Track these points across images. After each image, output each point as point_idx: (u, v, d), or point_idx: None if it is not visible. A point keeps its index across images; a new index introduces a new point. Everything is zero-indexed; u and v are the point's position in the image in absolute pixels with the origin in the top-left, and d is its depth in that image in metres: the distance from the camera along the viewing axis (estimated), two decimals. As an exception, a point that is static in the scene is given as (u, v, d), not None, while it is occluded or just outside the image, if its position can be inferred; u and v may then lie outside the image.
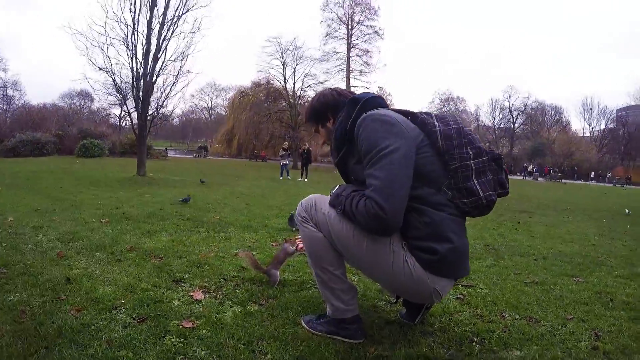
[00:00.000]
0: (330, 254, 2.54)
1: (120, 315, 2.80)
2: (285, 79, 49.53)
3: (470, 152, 2.34)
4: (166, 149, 51.30)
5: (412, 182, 2.25)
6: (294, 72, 49.15)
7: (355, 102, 2.52)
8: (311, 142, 33.44)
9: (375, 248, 2.37)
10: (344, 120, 2.52)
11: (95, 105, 66.05)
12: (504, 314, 3.14)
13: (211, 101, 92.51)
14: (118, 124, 61.85)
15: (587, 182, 54.33)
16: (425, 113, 2.52)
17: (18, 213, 6.81)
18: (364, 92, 2.63)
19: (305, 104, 48.93)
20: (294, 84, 49.13)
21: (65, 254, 4.17)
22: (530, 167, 57.33)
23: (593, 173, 60.64)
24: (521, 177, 52.97)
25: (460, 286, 3.75)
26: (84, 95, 70.27)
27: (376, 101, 2.53)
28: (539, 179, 51.62)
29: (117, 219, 6.69)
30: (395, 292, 2.71)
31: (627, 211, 13.93)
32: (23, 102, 60.07)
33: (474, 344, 2.63)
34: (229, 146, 58.00)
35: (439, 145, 2.34)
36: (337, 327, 2.64)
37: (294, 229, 6.03)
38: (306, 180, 22.85)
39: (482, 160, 2.35)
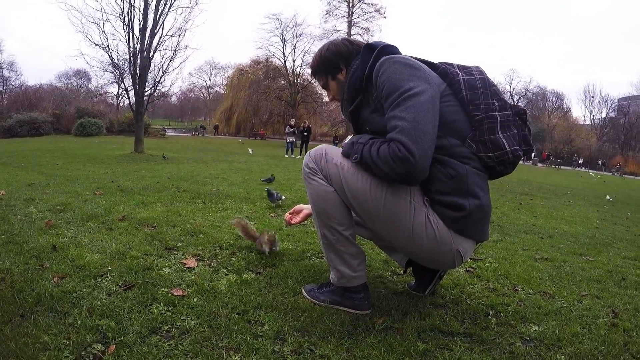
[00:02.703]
0: (340, 211, 2.29)
1: (106, 283, 2.63)
2: (284, 56, 49.42)
3: (496, 104, 2.15)
4: (164, 128, 50.97)
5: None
6: (294, 49, 49.03)
7: (371, 48, 2.27)
8: (311, 120, 33.25)
9: (395, 203, 2.12)
10: (360, 67, 2.28)
11: (93, 84, 65.47)
12: (517, 288, 2.97)
13: (210, 79, 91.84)
14: (115, 102, 61.38)
15: (585, 169, 54.26)
16: (446, 63, 2.29)
17: (11, 187, 6.65)
18: (378, 41, 2.37)
19: (305, 82, 48.81)
20: (294, 61, 49.05)
21: (55, 224, 4.00)
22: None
23: (581, 159, 60.65)
24: (520, 162, 52.61)
25: (468, 259, 3.55)
26: (81, 74, 69.96)
27: (393, 49, 2.27)
28: (538, 164, 51.43)
29: (111, 191, 6.52)
30: (412, 255, 2.39)
31: (608, 197, 13.93)
32: (20, 82, 59.80)
33: (489, 317, 2.45)
34: (228, 124, 57.90)
35: (462, 95, 2.15)
36: (342, 296, 2.44)
37: (274, 205, 5.78)
38: (307, 157, 22.74)
39: (507, 114, 2.16)
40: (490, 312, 2.51)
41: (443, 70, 2.24)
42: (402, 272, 3.08)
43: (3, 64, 56.82)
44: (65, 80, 71.26)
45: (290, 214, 2.97)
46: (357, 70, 2.31)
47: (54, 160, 13.40)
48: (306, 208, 2.87)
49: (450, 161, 2.11)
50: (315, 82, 49.88)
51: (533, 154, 51.39)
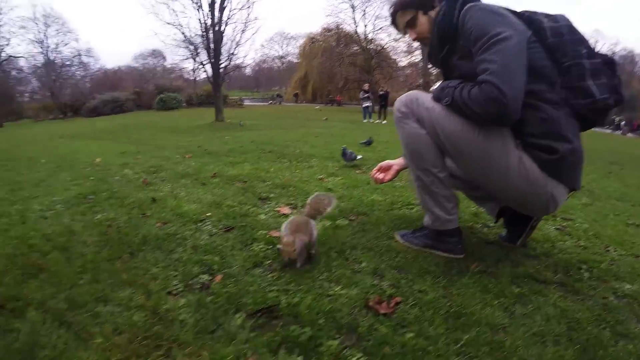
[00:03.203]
0: (433, 153, 2.29)
1: (206, 227, 2.78)
2: (355, 22, 48.59)
3: (584, 51, 2.09)
4: (241, 98, 52.02)
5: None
6: (364, 15, 48.09)
7: None
8: (387, 85, 32.79)
9: (487, 143, 2.11)
10: (448, 12, 2.24)
11: (168, 62, 67.64)
12: (609, 249, 2.84)
13: (282, 49, 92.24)
14: (192, 77, 63.23)
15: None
16: (530, 11, 2.25)
17: (104, 156, 7.06)
18: None
19: (378, 47, 47.98)
20: (365, 27, 48.10)
21: (150, 182, 4.25)
22: (617, 120, 53.01)
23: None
24: (609, 131, 48.98)
25: (558, 218, 3.48)
26: (156, 54, 72.30)
27: None
28: (628, 134, 47.54)
29: (199, 154, 6.81)
30: (505, 198, 2.38)
31: None
32: (99, 66, 62.80)
33: (581, 271, 2.37)
34: (304, 92, 58.31)
35: (548, 42, 2.11)
36: (435, 240, 2.46)
37: (348, 164, 5.70)
38: (384, 122, 22.51)
39: (595, 62, 2.09)
40: (583, 267, 2.43)
41: (528, 18, 2.19)
42: (493, 223, 3.04)
43: (81, 51, 59.68)
44: (142, 60, 74.10)
45: (377, 171, 2.88)
46: (444, 14, 2.26)
47: (140, 132, 14.10)
48: (395, 164, 2.80)
49: (542, 106, 2.08)
50: (389, 47, 49.08)
51: (623, 122, 48.16)
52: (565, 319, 1.81)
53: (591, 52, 2.11)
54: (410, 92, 2.40)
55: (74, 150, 9.02)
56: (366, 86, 25.92)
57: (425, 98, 2.30)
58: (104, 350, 1.49)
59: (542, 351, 1.59)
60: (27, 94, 56.28)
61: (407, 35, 2.56)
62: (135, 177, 4.56)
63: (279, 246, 2.03)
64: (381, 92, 24.87)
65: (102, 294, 1.88)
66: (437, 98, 2.23)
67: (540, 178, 2.11)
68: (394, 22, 2.57)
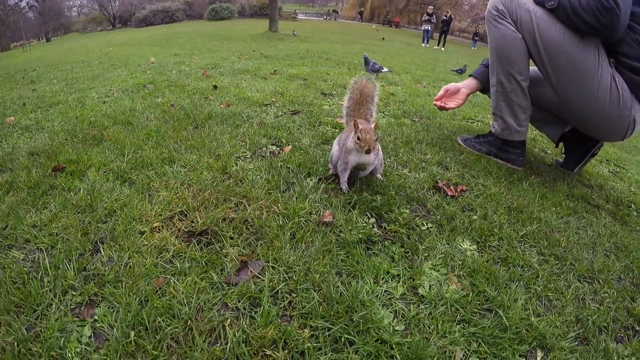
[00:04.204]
0: (523, 60, 2.23)
1: (272, 110, 2.81)
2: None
3: None
4: (295, 11, 51.26)
5: None
6: None
7: None
8: (450, 10, 31.45)
9: (585, 56, 2.06)
10: None
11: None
12: None
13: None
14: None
15: None
16: None
17: (158, 57, 7.12)
18: None
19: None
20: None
21: (210, 75, 4.26)
22: None
23: None
24: None
25: (612, 164, 3.41)
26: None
27: None
28: None
29: (255, 57, 6.78)
30: (585, 119, 2.31)
31: None
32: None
33: (631, 209, 2.33)
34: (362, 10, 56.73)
35: None
36: (499, 148, 2.45)
37: (372, 74, 5.04)
38: (443, 49, 21.75)
39: None
40: (632, 206, 2.39)
41: None
42: (549, 150, 3.01)
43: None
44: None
45: (444, 95, 2.64)
46: None
47: (192, 39, 14.12)
48: (463, 86, 2.61)
49: (637, 28, 2.01)
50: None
51: None
52: (614, 239, 1.84)
53: None
54: None
55: (126, 54, 9.15)
56: (430, 9, 24.91)
57: None
58: (168, 202, 1.55)
59: (594, 258, 1.64)
60: (75, 9, 56.98)
61: None
62: (193, 72, 4.59)
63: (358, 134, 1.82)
64: (445, 17, 23.95)
65: (168, 156, 1.94)
66: (540, 1, 2.14)
67: (629, 100, 2.09)
68: None
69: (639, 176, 3.32)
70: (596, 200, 2.25)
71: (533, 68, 2.34)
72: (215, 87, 3.42)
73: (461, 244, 1.52)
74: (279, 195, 1.62)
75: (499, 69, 2.29)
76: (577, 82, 2.11)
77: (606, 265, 1.60)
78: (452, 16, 25.16)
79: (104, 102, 3.11)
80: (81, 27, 43.22)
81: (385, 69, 5.11)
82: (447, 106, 2.52)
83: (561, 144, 2.72)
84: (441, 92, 2.55)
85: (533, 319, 1.21)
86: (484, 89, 2.51)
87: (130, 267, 1.25)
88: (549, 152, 3.05)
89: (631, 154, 4.50)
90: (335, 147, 1.81)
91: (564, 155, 2.71)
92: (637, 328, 1.31)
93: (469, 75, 2.58)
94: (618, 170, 3.28)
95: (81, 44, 18.74)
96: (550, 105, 2.49)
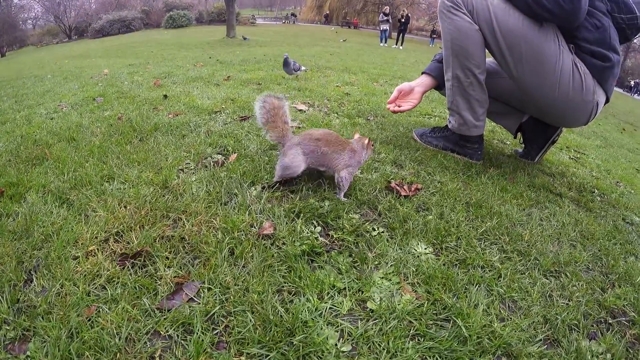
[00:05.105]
0: (480, 52, 2.17)
1: (221, 117, 2.72)
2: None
3: None
4: (253, 16, 51.07)
5: None
6: None
7: None
8: (408, 10, 31.66)
9: (545, 43, 2.03)
10: None
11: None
12: (619, 184, 2.81)
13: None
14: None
15: None
16: None
17: (112, 69, 6.94)
18: None
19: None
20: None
21: (162, 84, 4.15)
22: (633, 82, 51.02)
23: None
24: (629, 94, 46.95)
25: (572, 150, 3.46)
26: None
27: None
28: None
29: (211, 63, 6.68)
30: (547, 107, 2.27)
31: None
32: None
33: (594, 195, 2.35)
34: (319, 13, 56.79)
35: None
36: (456, 143, 2.41)
37: (290, 76, 4.82)
38: (401, 47, 21.90)
39: None
40: (595, 191, 2.42)
41: None
42: (508, 141, 3.03)
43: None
44: (151, -24, 72.57)
45: (397, 97, 2.46)
46: None
47: (148, 49, 13.88)
48: (417, 85, 2.48)
49: (595, 12, 2.03)
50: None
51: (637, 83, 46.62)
52: (579, 228, 1.84)
53: None
54: None
55: (80, 66, 8.92)
56: (386, 9, 25.03)
57: None
58: (105, 222, 1.45)
59: (559, 250, 1.62)
60: (30, 21, 55.49)
61: None
62: (145, 82, 4.47)
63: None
64: (402, 17, 24.10)
65: (109, 172, 1.84)
66: None
67: (591, 84, 2.09)
68: None
69: (600, 161, 3.37)
70: (558, 189, 2.25)
71: (488, 60, 2.30)
72: (165, 96, 3.31)
73: (415, 248, 1.45)
74: (219, 208, 1.54)
75: (454, 63, 2.23)
76: (539, 70, 2.09)
77: (573, 257, 1.57)
78: (409, 15, 25.30)
79: (52, 119, 2.98)
80: (36, 40, 42.20)
81: (303, 68, 4.88)
82: (401, 108, 2.41)
83: (520, 135, 2.69)
84: (394, 93, 2.43)
85: (496, 325, 1.15)
86: (439, 85, 2.44)
87: (62, 296, 1.14)
88: (507, 142, 3.05)
89: (590, 139, 4.59)
90: (298, 158, 1.65)
91: (523, 146, 2.68)
92: (610, 321, 1.27)
93: (422, 73, 2.48)
94: (579, 156, 3.32)
95: (36, 57, 18.30)
96: (507, 96, 2.47)
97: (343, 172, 1.67)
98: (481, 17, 2.09)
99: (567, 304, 1.30)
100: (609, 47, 2.05)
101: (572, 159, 3.15)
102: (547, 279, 1.42)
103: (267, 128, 1.75)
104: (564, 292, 1.35)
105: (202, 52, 10.91)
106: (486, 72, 2.26)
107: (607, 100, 2.22)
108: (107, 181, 1.77)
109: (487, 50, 2.19)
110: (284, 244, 1.36)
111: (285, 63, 4.59)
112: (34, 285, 1.20)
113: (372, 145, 1.83)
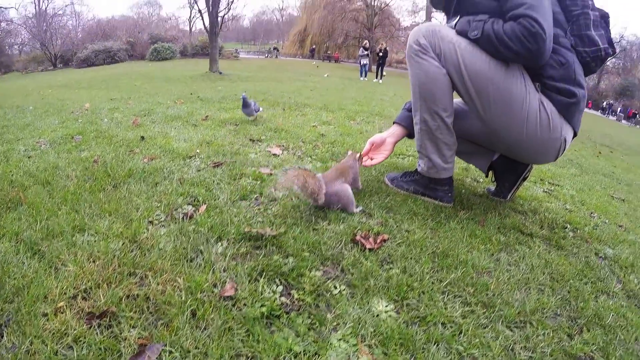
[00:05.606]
0: (447, 96, 2.19)
1: (195, 163, 2.73)
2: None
3: (590, 2, 2.16)
4: (237, 50, 51.39)
5: None
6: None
7: None
8: (387, 44, 32.18)
9: (512, 84, 2.06)
10: None
11: (164, 11, 66.84)
12: (593, 215, 2.85)
13: (282, 1, 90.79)
14: (188, 26, 62.36)
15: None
16: None
17: (94, 102, 6.92)
18: None
19: (382, 5, 47.28)
20: (372, -20, 47.27)
21: (141, 123, 4.14)
22: (604, 104, 52.56)
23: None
24: (603, 115, 48.34)
25: (546, 182, 3.50)
26: (152, 3, 71.50)
27: None
28: (623, 121, 46.94)
29: (191, 100, 6.68)
30: (516, 147, 2.28)
31: None
32: (92, 15, 61.64)
33: (566, 230, 2.38)
34: (302, 47, 57.54)
35: None
36: (426, 187, 2.43)
37: (249, 118, 4.49)
38: (380, 81, 22.21)
39: (596, 14, 2.16)
40: (568, 227, 2.44)
41: None
42: (481, 179, 3.05)
43: (73, 0, 58.29)
44: (137, 9, 73.05)
45: (370, 149, 2.50)
46: None
47: (132, 81, 13.87)
48: (389, 135, 2.52)
49: (559, 49, 2.07)
50: (393, 5, 48.03)
51: (619, 108, 47.91)
52: (549, 270, 1.83)
53: (593, 5, 2.16)
54: (428, 22, 2.25)
55: (63, 98, 8.86)
56: (366, 43, 25.42)
57: (447, 30, 2.17)
58: (75, 277, 1.44)
59: (526, 297, 1.60)
60: (16, 47, 55.15)
61: None
62: (125, 120, 4.45)
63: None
64: (380, 51, 24.46)
65: (80, 223, 1.82)
66: (463, 31, 2.13)
67: (558, 122, 2.12)
68: None
69: (575, 191, 3.40)
70: (530, 228, 2.25)
71: (457, 100, 2.32)
72: (142, 138, 3.31)
73: (376, 306, 1.43)
74: (185, 265, 1.53)
75: (422, 107, 2.24)
76: (507, 111, 2.11)
77: (540, 303, 1.56)
78: (387, 49, 25.67)
79: (29, 157, 2.95)
80: (22, 67, 41.84)
81: (261, 109, 4.63)
82: (374, 162, 2.45)
83: (491, 173, 2.71)
84: (367, 146, 2.46)
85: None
86: (410, 134, 2.46)
87: (31, 354, 1.13)
88: (480, 180, 3.07)
89: (565, 168, 4.65)
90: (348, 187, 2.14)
91: (495, 184, 2.71)
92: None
93: (393, 123, 2.51)
94: (553, 188, 3.34)
95: (20, 85, 18.09)
96: (476, 136, 2.49)
97: (358, 183, 2.34)
98: (449, 61, 2.12)
99: (530, 356, 1.29)
100: (574, 82, 2.08)
101: (546, 192, 3.18)
102: (511, 330, 1.41)
103: (305, 194, 2.03)
104: (528, 344, 1.34)
105: (185, 86, 10.94)
106: (455, 113, 2.29)
107: (575, 135, 2.26)
108: (78, 232, 1.75)
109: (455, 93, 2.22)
110: (245, 304, 1.35)
111: (245, 104, 4.31)
112: (5, 341, 1.18)
113: (361, 158, 2.34)
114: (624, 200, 3.76)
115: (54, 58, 43.22)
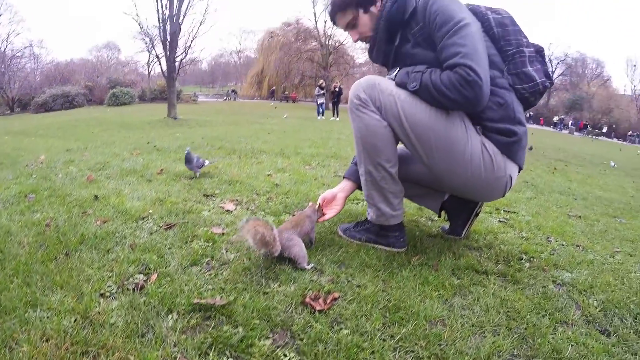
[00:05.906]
0: (390, 147, 2.25)
1: (147, 225, 2.73)
2: (315, 17, 48.79)
3: (524, 40, 2.26)
4: (195, 94, 51.47)
5: None
6: (326, 9, 48.29)
7: None
8: (343, 82, 32.81)
9: (453, 131, 2.13)
10: (400, 1, 2.23)
11: (123, 55, 66.58)
12: (550, 239, 2.97)
13: (240, 44, 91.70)
14: (147, 71, 62.09)
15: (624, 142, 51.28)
16: (473, 4, 2.35)
17: (50, 153, 6.83)
18: None
19: (337, 44, 48.26)
20: (325, 22, 48.20)
21: (95, 179, 4.11)
22: (555, 119, 55.21)
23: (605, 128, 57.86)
24: (556, 130, 50.72)
25: (501, 211, 3.61)
26: (111, 46, 71.16)
27: None
28: (575, 133, 49.50)
29: (148, 150, 6.65)
30: (464, 188, 2.34)
31: (612, 164, 13.96)
32: (51, 58, 60.84)
33: (522, 261, 2.48)
34: (259, 88, 58.01)
35: (493, 32, 2.25)
36: (378, 234, 2.49)
37: (196, 174, 4.31)
38: (337, 119, 22.57)
39: (531, 50, 2.26)
40: (524, 257, 2.54)
41: (472, 9, 2.28)
42: (436, 217, 3.11)
43: (33, 42, 57.53)
44: (96, 52, 72.47)
45: (322, 205, 2.56)
46: (396, 3, 2.24)
47: (90, 129, 13.74)
48: (339, 190, 2.60)
49: (497, 90, 2.15)
50: (347, 43, 48.95)
51: (570, 122, 50.06)
52: (505, 308, 1.87)
53: (527, 41, 2.27)
54: (368, 76, 2.30)
55: (19, 147, 8.71)
56: (322, 82, 25.91)
57: (387, 83, 2.24)
58: (29, 358, 1.43)
59: (481, 342, 1.61)
60: (-28, 89, 53.90)
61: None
62: (79, 175, 4.40)
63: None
64: (335, 89, 24.88)
65: (32, 298, 1.80)
66: (402, 83, 2.19)
67: (501, 161, 2.20)
68: (334, 23, 2.53)
69: (530, 216, 3.50)
70: (484, 265, 2.31)
71: (402, 146, 2.37)
72: (96, 197, 3.29)
73: None
74: (136, 342, 1.53)
75: (366, 159, 2.30)
76: (449, 157, 2.17)
77: (495, 346, 1.57)
78: (342, 87, 26.13)
79: (-20, 219, 2.91)
80: (-23, 110, 40.84)
81: (207, 162, 4.43)
82: (326, 217, 2.52)
83: (444, 212, 2.77)
84: (319, 201, 2.52)
85: None
86: (360, 186, 2.51)
87: None
88: (435, 219, 3.12)
89: (521, 191, 4.81)
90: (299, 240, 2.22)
91: (449, 222, 2.76)
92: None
93: (343, 177, 2.59)
94: (508, 217, 3.43)
95: (-26, 131, 17.65)
96: (424, 180, 2.55)
97: (312, 233, 2.42)
98: (389, 113, 2.19)
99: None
100: (514, 121, 2.18)
101: (501, 221, 3.27)
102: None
103: (261, 246, 2.11)
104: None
105: (142, 133, 10.89)
106: (402, 158, 2.37)
107: (520, 169, 2.34)
108: (31, 307, 1.73)
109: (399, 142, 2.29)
110: (193, 382, 1.36)
111: (188, 159, 4.17)
112: None
113: (321, 209, 2.50)
114: (580, 216, 3.91)
115: (11, 102, 42.40)
